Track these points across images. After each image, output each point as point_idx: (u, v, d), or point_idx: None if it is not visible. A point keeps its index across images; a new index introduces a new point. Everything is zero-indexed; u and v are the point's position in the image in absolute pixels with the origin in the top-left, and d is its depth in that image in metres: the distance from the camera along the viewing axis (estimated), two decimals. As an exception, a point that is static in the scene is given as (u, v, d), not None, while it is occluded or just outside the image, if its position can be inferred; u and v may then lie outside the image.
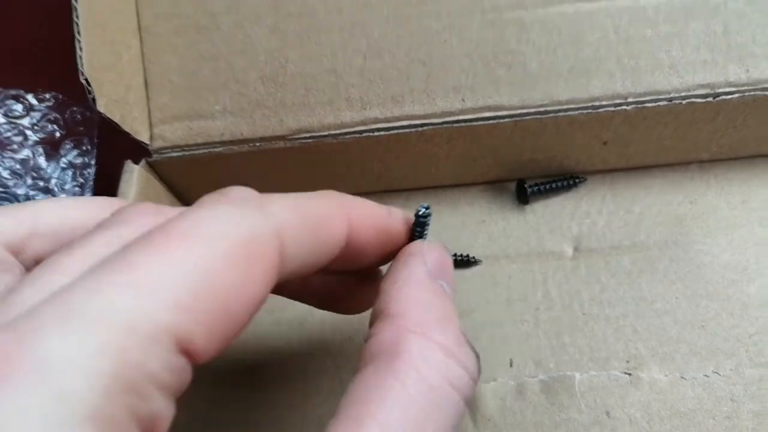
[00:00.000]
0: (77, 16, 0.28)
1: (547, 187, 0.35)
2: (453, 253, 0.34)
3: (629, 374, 0.31)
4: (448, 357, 0.19)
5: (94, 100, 0.28)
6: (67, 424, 0.12)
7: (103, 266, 0.14)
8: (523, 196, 0.35)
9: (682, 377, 0.31)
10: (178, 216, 0.16)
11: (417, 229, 0.23)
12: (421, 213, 0.23)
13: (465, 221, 0.36)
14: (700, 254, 0.33)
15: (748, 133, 0.33)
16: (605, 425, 0.30)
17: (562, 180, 0.35)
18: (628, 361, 0.31)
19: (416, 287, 0.21)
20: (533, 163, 0.35)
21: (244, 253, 0.16)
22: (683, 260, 0.33)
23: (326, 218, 0.19)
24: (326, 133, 0.32)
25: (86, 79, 0.28)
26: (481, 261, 0.34)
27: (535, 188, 0.35)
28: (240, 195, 0.18)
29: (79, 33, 0.28)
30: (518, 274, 0.34)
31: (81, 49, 0.28)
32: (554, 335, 0.32)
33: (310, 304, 0.25)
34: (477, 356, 0.21)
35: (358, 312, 0.26)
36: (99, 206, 0.20)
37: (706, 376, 0.31)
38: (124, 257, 0.14)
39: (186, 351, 0.14)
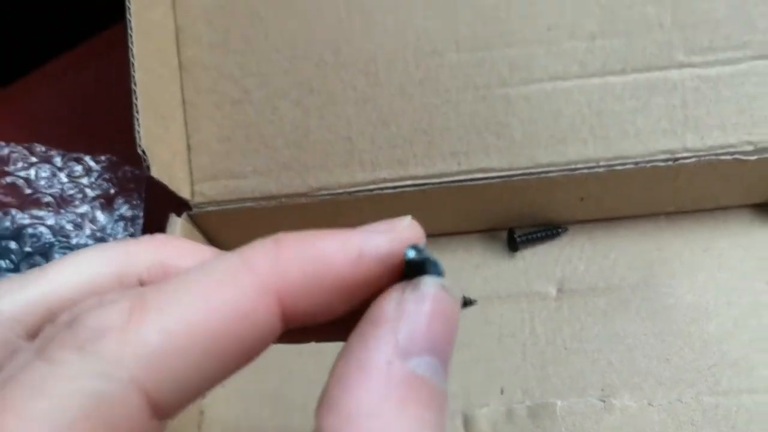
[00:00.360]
0: (136, 98, 0.34)
1: (534, 236, 0.40)
2: (451, 294, 0.39)
3: (603, 401, 0.36)
4: None
5: (148, 167, 0.34)
6: None
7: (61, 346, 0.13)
8: (513, 244, 0.40)
9: (649, 404, 0.35)
10: (155, 288, 0.15)
11: (409, 274, 0.17)
12: (410, 258, 0.17)
13: (463, 266, 0.41)
14: (666, 296, 0.38)
15: (706, 190, 0.38)
16: (582, 445, 0.35)
17: (547, 230, 0.40)
18: (603, 390, 0.36)
19: (374, 380, 0.14)
20: (521, 215, 0.40)
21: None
22: (652, 301, 0.38)
23: (232, 320, 0.15)
24: (342, 191, 0.38)
25: (143, 150, 0.33)
26: (476, 301, 0.39)
27: (524, 237, 0.40)
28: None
29: (137, 112, 0.34)
30: (508, 313, 0.39)
31: (139, 125, 0.33)
32: (540, 367, 0.37)
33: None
34: None
35: None
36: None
37: (670, 403, 0.35)
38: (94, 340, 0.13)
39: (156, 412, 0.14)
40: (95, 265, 0.17)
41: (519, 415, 0.36)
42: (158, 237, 0.19)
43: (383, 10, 0.37)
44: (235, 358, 0.15)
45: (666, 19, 0.36)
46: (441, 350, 0.15)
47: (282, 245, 0.16)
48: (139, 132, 0.34)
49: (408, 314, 0.15)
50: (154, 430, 0.14)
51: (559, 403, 0.36)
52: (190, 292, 0.15)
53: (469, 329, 0.39)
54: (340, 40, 0.38)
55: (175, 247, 0.18)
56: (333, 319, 0.17)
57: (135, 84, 0.34)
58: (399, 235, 0.18)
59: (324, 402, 0.14)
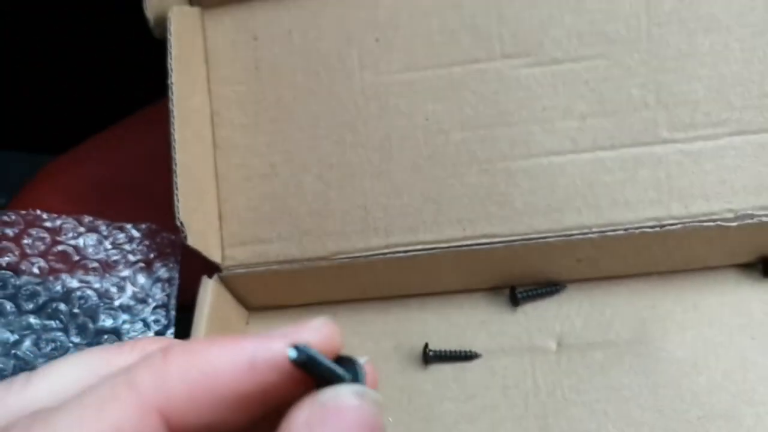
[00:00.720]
0: (176, 177, 0.38)
1: (535, 293, 0.44)
2: (460, 349, 0.43)
3: (601, 450, 0.39)
4: None
5: (185, 237, 0.38)
6: None
7: None
8: (515, 301, 0.44)
9: (643, 453, 0.38)
10: None
11: (319, 380, 0.16)
12: (293, 358, 0.15)
13: (469, 321, 0.44)
14: (658, 350, 0.41)
15: (694, 252, 0.42)
16: (581, 492, 0.38)
17: (546, 288, 0.44)
18: (600, 440, 0.39)
19: None
20: (523, 275, 0.44)
21: None
22: (645, 355, 0.41)
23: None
24: (358, 254, 0.42)
25: (181, 222, 0.38)
26: (481, 355, 0.43)
27: (525, 294, 0.43)
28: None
29: (177, 189, 0.38)
30: (512, 366, 0.42)
31: (178, 200, 0.38)
32: (541, 417, 0.40)
33: None
34: None
35: None
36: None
37: (663, 452, 0.38)
38: None
39: None
40: (77, 371, 0.17)
41: (522, 463, 0.39)
42: (141, 342, 0.18)
43: (395, 94, 0.42)
44: None
45: (650, 99, 0.40)
46: None
47: (168, 359, 0.15)
48: (178, 206, 0.38)
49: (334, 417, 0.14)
50: None
51: (559, 452, 0.39)
52: (76, 417, 0.15)
53: (476, 381, 0.42)
54: (357, 121, 0.42)
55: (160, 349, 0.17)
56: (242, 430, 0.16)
57: (176, 164, 0.38)
58: (300, 337, 0.16)
59: None
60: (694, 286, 0.43)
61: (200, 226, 0.41)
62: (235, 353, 0.15)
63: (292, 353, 0.15)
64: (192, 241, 0.39)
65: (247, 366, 0.15)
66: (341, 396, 0.15)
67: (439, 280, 0.44)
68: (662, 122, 0.40)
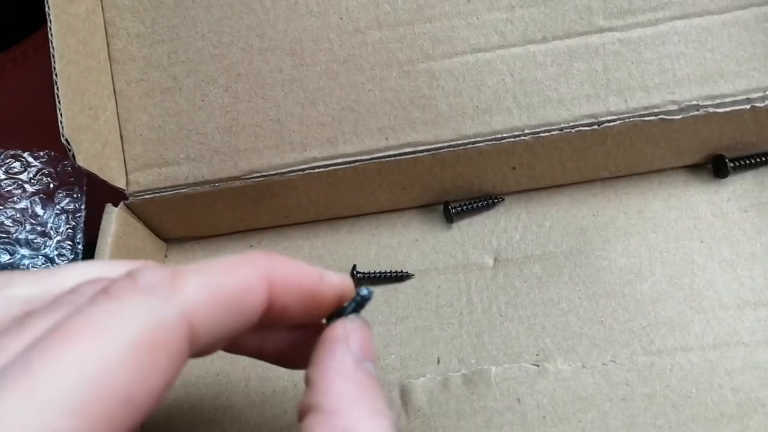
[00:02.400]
0: (57, 88, 0.34)
1: (469, 207, 0.40)
2: (390, 270, 0.40)
3: (537, 366, 0.36)
4: None
5: (74, 156, 0.35)
6: None
7: (6, 373, 0.15)
8: (449, 217, 0.40)
9: (583, 366, 0.36)
10: (84, 309, 0.17)
11: (352, 305, 0.23)
12: (364, 294, 0.23)
13: (401, 241, 0.41)
14: (600, 259, 0.38)
15: (636, 153, 0.39)
16: (516, 410, 0.35)
17: (482, 201, 0.41)
18: (537, 355, 0.36)
19: (346, 380, 0.21)
20: (456, 188, 0.40)
21: (148, 344, 0.16)
22: (585, 266, 0.38)
23: (242, 290, 0.20)
24: (274, 172, 0.38)
25: (66, 140, 0.34)
26: (413, 275, 0.40)
27: (459, 209, 0.40)
28: (149, 280, 0.18)
29: (59, 101, 0.34)
30: (446, 284, 0.39)
31: (62, 114, 0.34)
32: (475, 335, 0.37)
33: (252, 356, 0.26)
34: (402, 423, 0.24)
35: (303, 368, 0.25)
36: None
37: (604, 364, 0.35)
38: (25, 362, 0.15)
39: None
40: (96, 269, 0.22)
41: (455, 383, 0.36)
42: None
43: (304, -9, 0.38)
44: (239, 319, 0.20)
45: (584, -15, 0.37)
46: (373, 359, 0.23)
47: (272, 259, 0.21)
48: (62, 123, 0.34)
49: (355, 334, 0.22)
50: (182, 364, 0.18)
51: (493, 369, 0.36)
52: (214, 267, 0.20)
53: (408, 302, 0.39)
54: (264, 24, 0.38)
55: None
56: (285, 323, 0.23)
57: (56, 75, 0.34)
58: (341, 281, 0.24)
59: (312, 391, 0.21)
60: (639, 191, 0.40)
61: (96, 147, 0.37)
62: (309, 269, 0.22)
63: (363, 291, 0.23)
64: (84, 162, 0.35)
65: (317, 278, 0.22)
66: (357, 321, 0.23)
67: (367, 199, 0.41)
68: (597, 9, 0.37)
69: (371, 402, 0.20)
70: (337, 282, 0.23)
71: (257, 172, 0.38)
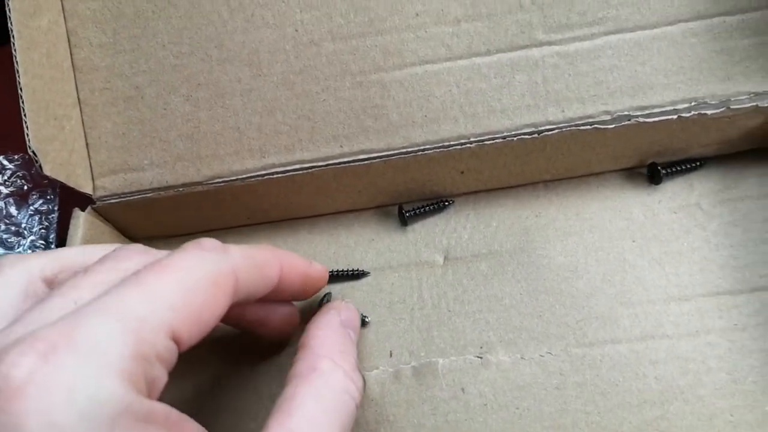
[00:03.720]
0: (23, 101, 0.36)
1: (422, 210, 0.43)
2: (347, 268, 0.42)
3: (481, 357, 0.39)
4: (347, 376, 0.29)
5: (40, 166, 0.36)
6: (107, 375, 0.19)
7: (124, 283, 0.22)
8: (403, 219, 0.43)
9: (522, 358, 0.39)
10: (169, 255, 0.24)
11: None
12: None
13: (358, 240, 0.44)
14: (540, 258, 0.41)
15: (575, 158, 0.41)
16: (460, 399, 0.38)
17: (434, 203, 0.43)
18: (481, 347, 0.39)
19: (331, 331, 0.32)
20: (409, 190, 0.43)
21: (212, 281, 0.24)
22: (527, 263, 0.41)
23: (266, 263, 0.29)
24: (234, 177, 0.40)
25: (33, 151, 0.36)
26: (369, 273, 0.42)
27: (412, 212, 0.43)
28: (209, 245, 0.26)
29: (25, 115, 0.36)
30: (399, 282, 0.42)
31: (27, 127, 0.36)
32: (425, 329, 0.40)
33: (244, 329, 0.36)
34: (364, 379, 0.35)
35: (278, 340, 0.38)
36: (105, 249, 0.27)
37: (541, 356, 0.39)
38: (137, 278, 0.22)
39: (176, 339, 0.22)
40: (89, 251, 0.29)
41: (405, 375, 0.39)
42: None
43: (261, 5, 0.39)
44: (263, 283, 0.28)
45: (525, 0, 0.39)
46: (356, 331, 0.36)
47: (278, 249, 0.32)
48: (28, 135, 0.36)
49: (345, 310, 0.36)
50: (229, 305, 0.25)
51: (440, 361, 0.39)
52: (247, 247, 0.29)
53: (364, 299, 0.42)
54: (223, 36, 0.40)
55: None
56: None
57: (21, 90, 0.36)
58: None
59: (304, 336, 0.32)
60: (578, 193, 0.43)
61: (63, 155, 0.39)
62: (301, 259, 0.33)
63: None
64: (50, 171, 0.37)
65: (307, 264, 0.34)
66: (350, 305, 0.38)
67: (325, 201, 0.43)
68: (537, 24, 0.39)
69: (345, 346, 0.31)
70: (320, 268, 0.35)
71: (219, 177, 0.40)
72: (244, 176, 0.40)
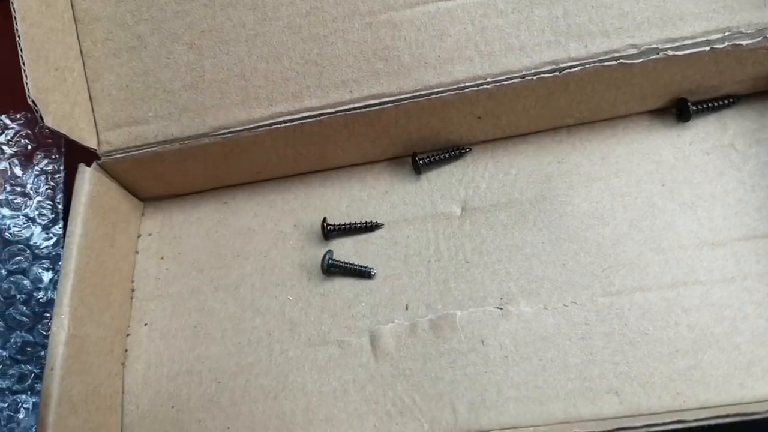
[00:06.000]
0: (21, 50, 0.35)
1: (436, 158, 0.41)
2: (360, 221, 0.41)
3: (501, 309, 0.37)
4: None
5: (41, 117, 0.35)
6: None
7: None
8: (417, 168, 0.41)
9: (545, 308, 0.37)
10: None
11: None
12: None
13: (371, 193, 0.42)
14: (563, 205, 0.39)
15: (599, 99, 0.39)
16: (480, 351, 0.36)
17: (449, 151, 0.41)
18: (501, 298, 0.37)
19: None
20: (423, 139, 0.41)
21: None
22: (549, 211, 0.39)
23: None
24: (242, 128, 0.39)
25: (33, 101, 0.35)
26: (383, 225, 0.41)
27: (427, 160, 0.41)
28: None
29: (23, 63, 0.35)
30: (414, 234, 0.40)
31: (27, 76, 0.35)
32: (442, 282, 0.39)
33: None
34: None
35: None
36: None
37: (565, 305, 0.37)
38: None
39: None
40: None
41: (422, 327, 0.37)
42: None
43: (263, -56, 0.38)
44: None
45: (543, -71, 0.36)
46: None
47: None
48: (27, 84, 0.35)
49: None
50: None
51: (458, 313, 0.37)
52: None
53: (378, 252, 0.40)
54: (225, -21, 0.38)
55: None
56: None
57: (19, 37, 0.35)
58: None
59: None
60: (602, 137, 0.41)
61: (65, 108, 0.37)
62: None
63: None
64: (52, 122, 0.36)
65: None
66: None
67: (336, 153, 0.42)
68: (556, -46, 0.36)
69: None
70: None
71: (225, 128, 0.39)
72: (251, 126, 0.39)
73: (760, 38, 0.36)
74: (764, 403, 0.33)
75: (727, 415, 0.30)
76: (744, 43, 0.36)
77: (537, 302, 0.37)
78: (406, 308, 0.38)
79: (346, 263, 0.39)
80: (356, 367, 0.37)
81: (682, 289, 0.36)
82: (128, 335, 0.40)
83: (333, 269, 0.39)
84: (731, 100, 0.39)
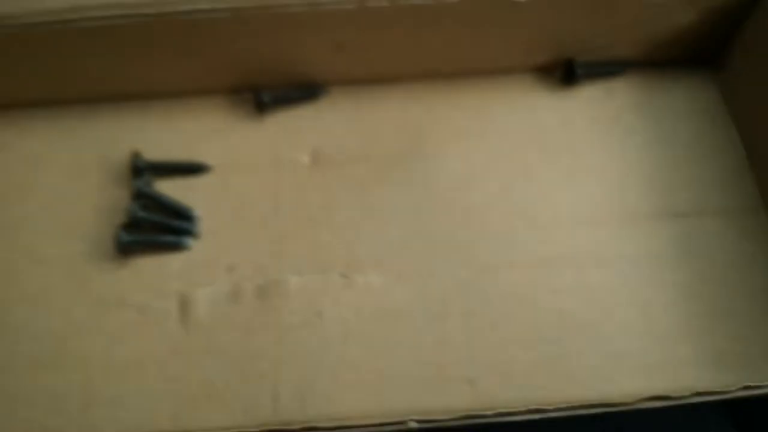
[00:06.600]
0: None
1: (285, 96, 0.34)
2: (183, 161, 0.33)
3: (346, 277, 0.30)
4: None
5: None
6: None
7: None
8: (261, 105, 0.34)
9: (397, 279, 0.31)
10: None
11: None
12: None
13: (201, 130, 0.34)
14: (430, 163, 0.33)
15: (479, 44, 0.34)
16: (315, 326, 0.29)
17: (301, 90, 0.34)
18: (347, 266, 0.31)
19: None
20: (272, 70, 0.34)
21: None
22: (413, 169, 0.33)
23: None
24: (38, 20, 0.30)
25: None
26: (211, 167, 0.33)
27: (273, 98, 0.34)
28: None
29: None
30: (251, 182, 0.33)
31: None
32: (277, 241, 0.31)
33: None
34: None
35: None
36: None
37: (420, 278, 0.31)
38: None
39: None
40: None
41: (246, 294, 0.30)
42: None
43: None
44: None
45: None
46: None
47: None
48: None
49: None
50: None
51: (293, 279, 0.30)
52: None
53: (202, 199, 0.32)
54: None
55: None
56: None
57: None
58: None
59: None
60: (481, 91, 0.35)
61: None
62: None
63: None
64: None
65: None
66: None
67: (160, 74, 0.33)
68: None
69: None
70: None
71: (10, 18, 0.30)
72: (50, 19, 0.30)
73: (657, -12, 0.32)
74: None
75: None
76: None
77: (389, 272, 0.31)
78: (230, 270, 0.31)
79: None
80: (158, 337, 0.29)
81: (552, 269, 0.31)
82: None
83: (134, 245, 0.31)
84: (620, 68, 0.35)
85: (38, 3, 0.30)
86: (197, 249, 0.31)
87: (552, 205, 0.33)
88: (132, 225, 0.31)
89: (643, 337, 0.30)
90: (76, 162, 0.33)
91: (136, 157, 0.32)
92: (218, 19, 0.30)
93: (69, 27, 0.30)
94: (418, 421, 0.26)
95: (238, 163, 0.33)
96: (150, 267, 0.31)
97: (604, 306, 0.30)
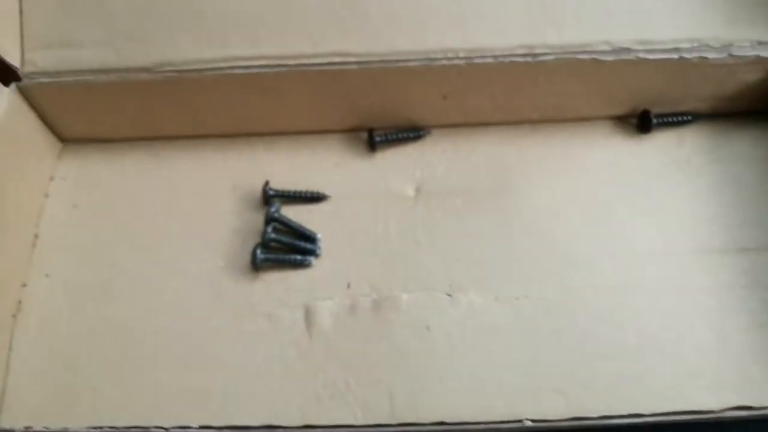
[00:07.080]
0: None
1: (394, 137, 0.39)
2: (304, 190, 0.37)
3: (450, 296, 0.35)
4: None
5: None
6: None
7: None
8: (372, 144, 0.39)
9: (495, 299, 0.35)
10: None
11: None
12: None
13: (321, 164, 0.39)
14: (520, 197, 0.37)
15: (568, 96, 0.38)
16: (424, 338, 0.33)
17: (407, 132, 0.39)
18: (450, 285, 0.35)
19: None
20: (383, 113, 0.39)
21: None
22: (506, 202, 0.37)
23: None
24: (189, 68, 0.35)
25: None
26: (329, 196, 0.38)
27: (384, 138, 0.39)
28: None
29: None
30: (363, 211, 0.37)
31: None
32: (388, 263, 0.36)
33: None
34: None
35: None
36: None
37: (516, 298, 0.35)
38: None
39: None
40: None
41: (363, 308, 0.34)
42: None
43: None
44: None
45: None
46: None
47: None
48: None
49: None
50: None
51: (404, 296, 0.35)
52: None
53: (322, 224, 0.37)
54: None
55: None
56: None
57: None
58: None
59: None
60: (565, 136, 0.40)
61: (-13, 16, 0.33)
62: None
63: None
64: (-33, 25, 0.31)
65: None
66: None
67: (288, 114, 0.39)
68: (543, -61, 0.36)
69: None
70: None
71: (170, 65, 0.35)
72: (200, 67, 0.35)
73: (726, 54, 0.36)
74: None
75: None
76: (710, 56, 0.36)
77: (488, 293, 0.35)
78: (348, 286, 0.35)
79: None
80: (286, 343, 0.34)
81: (631, 294, 0.35)
82: (24, 285, 0.35)
83: (267, 262, 0.36)
84: (690, 117, 0.40)
85: (196, 53, 0.35)
86: (318, 267, 0.36)
87: (629, 237, 0.36)
88: (265, 245, 0.35)
89: (716, 358, 0.33)
90: (213, 189, 0.38)
91: (267, 186, 0.37)
92: (346, 70, 0.35)
93: (220, 74, 0.35)
94: (533, 421, 0.29)
95: (352, 193, 0.38)
96: (278, 282, 0.35)
97: (679, 329, 0.34)
